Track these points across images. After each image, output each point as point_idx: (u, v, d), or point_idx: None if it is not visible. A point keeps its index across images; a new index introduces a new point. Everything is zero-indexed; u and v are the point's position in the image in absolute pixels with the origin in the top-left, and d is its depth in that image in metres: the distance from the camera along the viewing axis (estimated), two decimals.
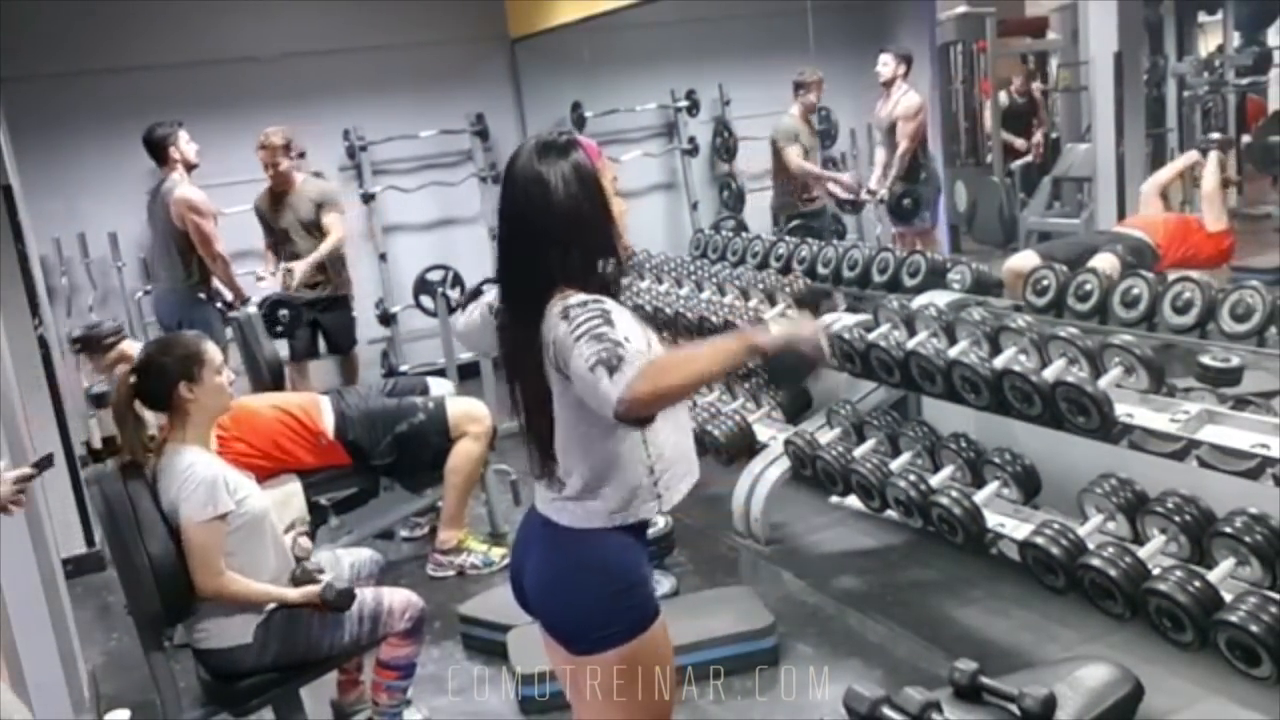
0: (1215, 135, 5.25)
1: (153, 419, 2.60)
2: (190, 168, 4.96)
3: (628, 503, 1.77)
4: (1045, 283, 3.41)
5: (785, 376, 1.72)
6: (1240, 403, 2.71)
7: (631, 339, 1.63)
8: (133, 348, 3.06)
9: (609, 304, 1.68)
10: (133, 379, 2.50)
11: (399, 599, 2.67)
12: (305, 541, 2.76)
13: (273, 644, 2.49)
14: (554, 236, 1.71)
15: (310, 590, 2.51)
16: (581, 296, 1.67)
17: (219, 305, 5.04)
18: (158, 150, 4.92)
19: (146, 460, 2.50)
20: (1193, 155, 4.70)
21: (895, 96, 5.66)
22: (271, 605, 2.51)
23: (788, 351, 1.67)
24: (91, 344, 4.22)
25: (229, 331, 4.81)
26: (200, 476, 2.42)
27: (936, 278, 3.99)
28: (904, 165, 5.69)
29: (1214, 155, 4.44)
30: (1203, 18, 6.88)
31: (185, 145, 4.92)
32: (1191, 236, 4.16)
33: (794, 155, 5.87)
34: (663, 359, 1.66)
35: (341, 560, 2.84)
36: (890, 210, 5.83)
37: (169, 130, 4.90)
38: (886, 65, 5.64)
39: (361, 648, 2.71)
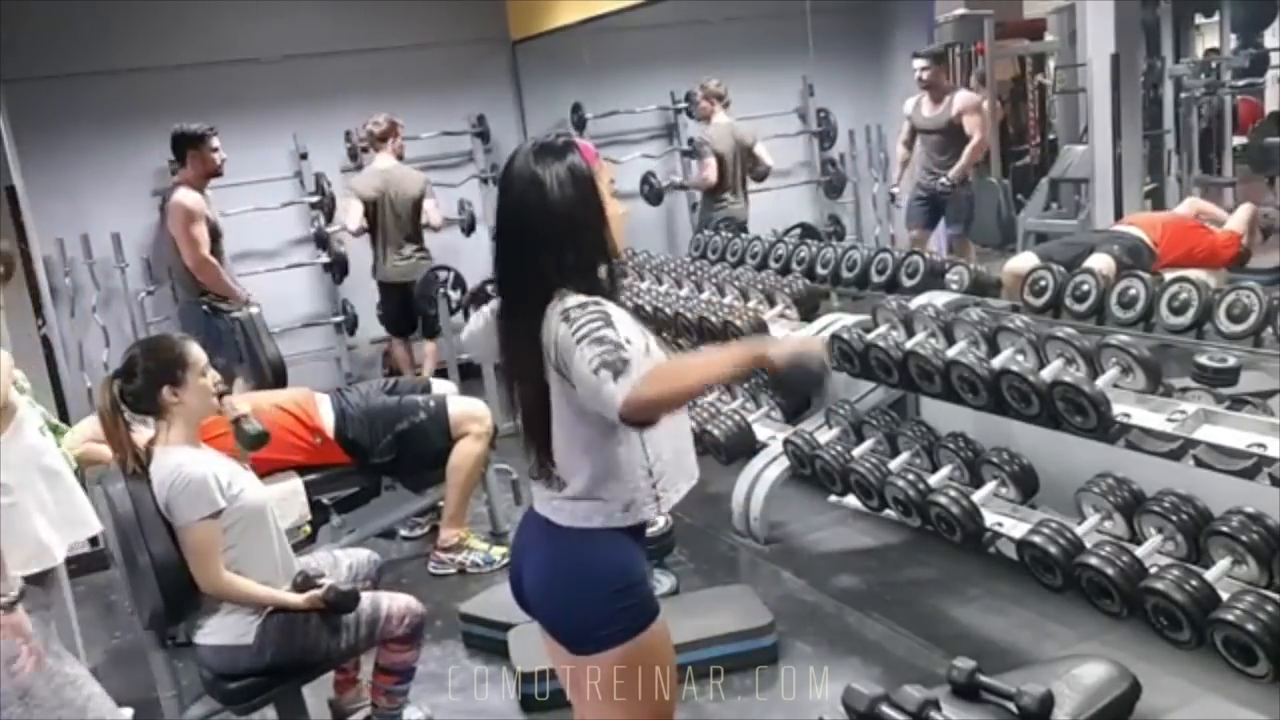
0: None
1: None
2: (210, 175, 4.85)
3: (627, 504, 1.78)
4: (1043, 283, 3.43)
5: (793, 391, 1.74)
6: (1237, 402, 2.73)
7: (633, 341, 1.64)
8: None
9: (609, 306, 1.69)
10: (116, 384, 2.50)
11: (398, 605, 2.67)
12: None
13: (270, 646, 2.50)
14: (550, 238, 1.72)
15: (314, 594, 2.52)
16: (580, 299, 1.69)
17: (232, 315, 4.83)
18: (179, 150, 4.82)
19: (140, 462, 2.51)
20: (1252, 207, 4.37)
21: (945, 96, 5.70)
22: (271, 607, 2.52)
23: (795, 366, 1.66)
24: None
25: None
26: (188, 477, 2.42)
27: (934, 278, 4.01)
28: (976, 157, 5.66)
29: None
30: (1200, 19, 6.89)
31: (210, 151, 4.80)
32: (1190, 236, 4.16)
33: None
34: (670, 363, 1.69)
35: (340, 562, 2.85)
36: (940, 211, 5.83)
37: (196, 132, 4.78)
38: (927, 70, 5.67)
39: (358, 651, 2.72)
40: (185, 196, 4.75)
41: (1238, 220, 4.21)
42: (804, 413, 4.07)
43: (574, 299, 1.69)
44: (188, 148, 4.78)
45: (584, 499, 1.79)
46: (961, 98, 5.69)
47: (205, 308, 4.82)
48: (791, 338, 1.72)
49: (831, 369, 1.73)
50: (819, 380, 1.70)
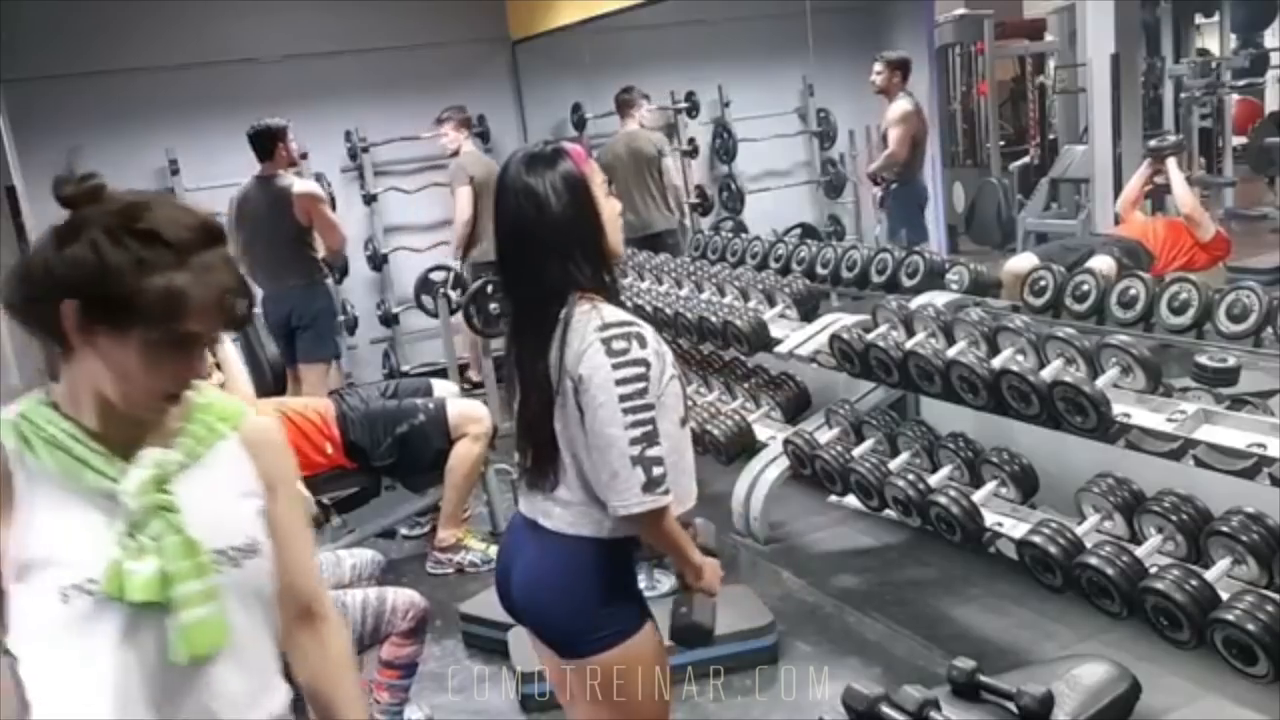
0: (1170, 139, 4.78)
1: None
2: (293, 165, 4.96)
3: (617, 522, 1.74)
4: (1043, 283, 3.43)
5: (683, 636, 1.88)
6: (1237, 402, 2.73)
7: (666, 376, 1.71)
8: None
9: (649, 344, 1.70)
10: None
11: (402, 599, 2.68)
12: None
13: None
14: (553, 247, 1.72)
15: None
16: (618, 316, 1.71)
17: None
18: (268, 144, 4.77)
19: None
20: (1145, 169, 4.46)
21: (889, 104, 5.51)
22: None
23: (693, 621, 1.83)
24: None
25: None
26: None
27: (935, 278, 4.01)
28: (883, 165, 5.50)
29: (1172, 162, 4.33)
30: (1200, 19, 6.91)
31: (290, 143, 4.85)
32: (1185, 241, 4.17)
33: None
34: (676, 525, 1.78)
35: (343, 561, 2.85)
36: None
37: (281, 125, 4.80)
38: (880, 74, 5.44)
39: (363, 646, 2.72)
40: (308, 184, 4.88)
41: (1194, 212, 4.22)
42: (804, 412, 4.08)
43: (611, 314, 1.70)
44: (277, 141, 4.81)
45: (577, 505, 1.77)
46: (893, 108, 5.43)
47: (327, 283, 5.06)
48: (715, 592, 1.87)
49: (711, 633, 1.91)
50: (704, 639, 1.86)
